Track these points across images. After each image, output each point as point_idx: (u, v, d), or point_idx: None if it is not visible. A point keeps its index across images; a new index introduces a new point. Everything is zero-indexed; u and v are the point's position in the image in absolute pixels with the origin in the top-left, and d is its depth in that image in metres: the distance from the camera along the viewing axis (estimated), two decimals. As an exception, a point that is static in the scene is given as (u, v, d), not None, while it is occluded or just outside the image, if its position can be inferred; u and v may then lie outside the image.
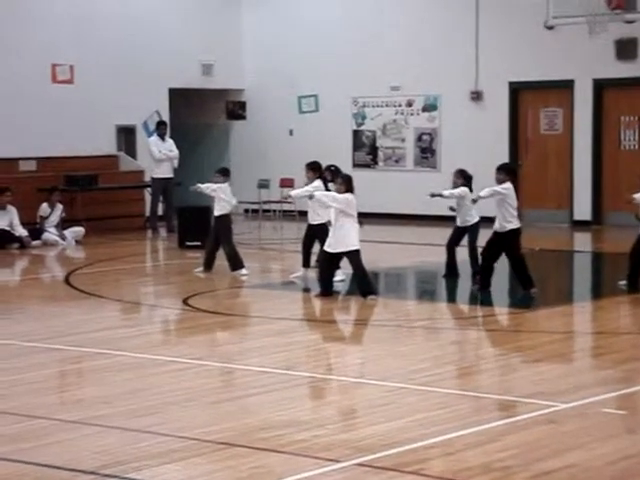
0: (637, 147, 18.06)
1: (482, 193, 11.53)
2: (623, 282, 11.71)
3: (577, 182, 18.45)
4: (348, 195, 11.39)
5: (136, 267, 14.93)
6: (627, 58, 17.67)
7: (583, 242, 17.27)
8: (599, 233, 17.83)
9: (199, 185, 13.39)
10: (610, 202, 18.08)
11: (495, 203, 11.55)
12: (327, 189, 12.24)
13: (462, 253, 12.76)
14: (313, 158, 13.80)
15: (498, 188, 11.48)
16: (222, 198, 13.23)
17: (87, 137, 18.98)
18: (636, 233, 11.70)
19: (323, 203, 11.77)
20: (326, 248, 11.65)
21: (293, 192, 12.92)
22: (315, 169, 12.78)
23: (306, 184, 12.77)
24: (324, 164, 13.12)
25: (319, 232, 12.40)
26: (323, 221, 12.30)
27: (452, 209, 12.72)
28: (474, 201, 11.86)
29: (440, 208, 13.57)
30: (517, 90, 18.90)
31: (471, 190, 12.57)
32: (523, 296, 11.74)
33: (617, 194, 17.63)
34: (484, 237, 12.42)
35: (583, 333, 10.13)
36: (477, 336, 9.97)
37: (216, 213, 13.32)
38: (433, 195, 12.49)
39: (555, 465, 5.85)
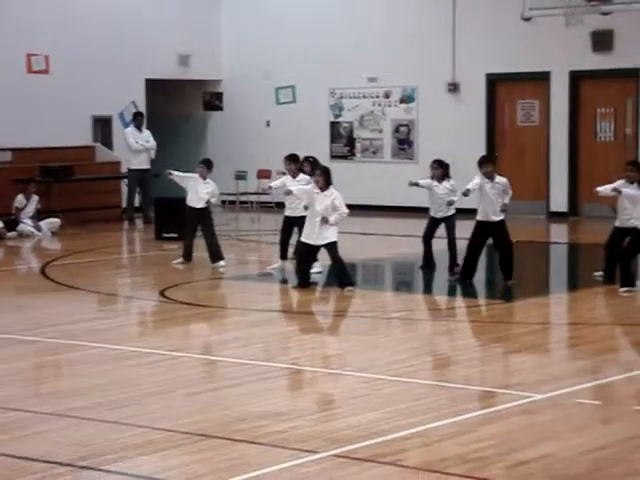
0: (613, 139, 18.15)
1: (506, 201, 11.62)
2: (599, 273, 11.78)
3: (553, 174, 18.53)
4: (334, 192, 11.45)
5: (113, 259, 14.88)
6: (603, 50, 17.75)
7: (559, 233, 17.35)
8: (575, 224, 17.92)
9: (172, 172, 13.34)
10: (586, 194, 18.15)
11: (481, 194, 11.58)
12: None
13: (438, 244, 12.80)
14: (290, 150, 13.81)
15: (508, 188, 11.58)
16: (198, 189, 13.21)
17: (63, 128, 18.88)
18: (612, 224, 11.77)
19: (302, 199, 11.81)
20: (303, 240, 11.66)
21: (274, 183, 12.92)
22: (295, 161, 12.81)
23: (282, 173, 12.82)
24: (301, 156, 13.13)
25: (297, 224, 12.40)
26: (301, 213, 12.29)
27: (450, 203, 12.57)
28: (465, 194, 11.92)
29: (417, 199, 13.61)
30: (494, 82, 18.95)
31: (449, 177, 12.63)
32: (500, 287, 11.79)
33: (593, 186, 17.63)
34: (460, 229, 12.47)
35: (559, 324, 10.19)
36: (454, 327, 10.00)
37: (198, 205, 13.26)
38: (412, 184, 12.54)
39: (530, 455, 5.89)
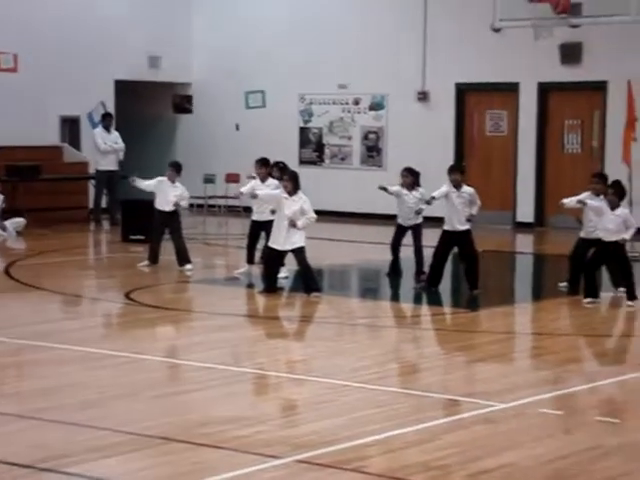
0: (580, 151, 18.30)
1: (474, 212, 11.66)
2: (563, 284, 11.86)
3: (520, 184, 18.65)
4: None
5: (78, 260, 14.79)
6: (572, 62, 17.89)
7: (525, 244, 17.46)
8: (541, 235, 18.04)
9: (136, 179, 13.27)
10: (552, 205, 18.25)
11: (448, 203, 11.63)
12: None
13: (405, 252, 12.83)
14: (259, 154, 13.79)
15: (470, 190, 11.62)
16: (169, 192, 13.17)
17: (30, 127, 18.75)
18: (577, 236, 11.86)
19: (269, 203, 11.81)
20: (271, 245, 11.65)
21: (244, 189, 12.89)
22: (266, 165, 12.83)
23: (251, 177, 12.82)
24: (271, 160, 13.13)
25: (264, 228, 12.39)
26: (268, 217, 12.28)
27: (418, 212, 12.67)
28: (418, 212, 11.94)
29: (384, 207, 13.65)
30: (463, 91, 19.05)
31: (419, 185, 12.68)
32: (466, 296, 11.85)
33: (560, 197, 17.78)
34: (431, 237, 12.52)
35: (523, 334, 10.24)
36: (419, 335, 10.03)
37: (167, 208, 13.21)
38: (381, 188, 12.59)
39: (492, 464, 5.91)
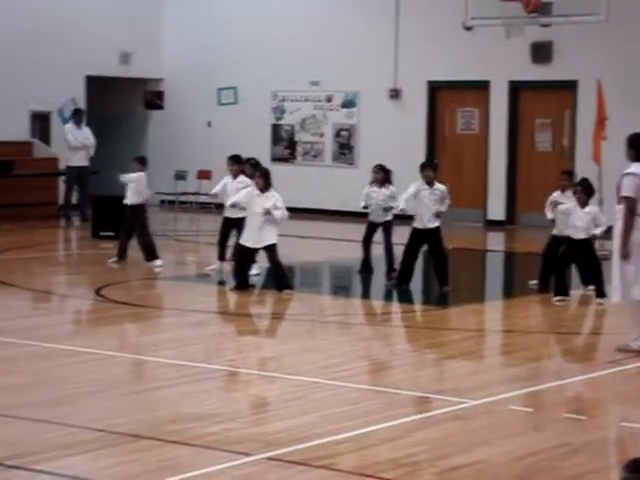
0: (551, 149, 18.39)
1: (443, 208, 11.68)
2: (534, 282, 11.92)
3: (491, 182, 18.72)
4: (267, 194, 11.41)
5: (48, 256, 14.70)
6: (542, 61, 17.98)
7: (496, 242, 17.53)
8: (512, 233, 18.12)
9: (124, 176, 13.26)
10: (523, 203, 18.39)
11: (418, 200, 11.65)
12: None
13: (378, 250, 12.85)
14: (231, 151, 13.77)
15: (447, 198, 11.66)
16: (137, 187, 13.13)
17: (0, 123, 18.60)
18: (548, 234, 11.92)
19: (243, 202, 11.80)
20: (242, 242, 11.63)
21: (215, 190, 12.86)
22: (238, 162, 12.81)
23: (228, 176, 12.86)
24: (243, 157, 13.10)
25: (236, 225, 12.37)
26: (240, 214, 12.27)
27: (365, 207, 12.77)
28: (387, 210, 11.89)
29: (356, 204, 13.65)
30: (435, 89, 19.09)
31: (390, 183, 12.69)
32: (436, 293, 11.88)
33: (530, 195, 17.97)
34: (402, 234, 12.54)
35: (493, 331, 10.29)
36: (390, 332, 10.05)
37: (130, 202, 13.19)
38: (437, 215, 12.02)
39: (462, 461, 5.93)
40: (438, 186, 11.79)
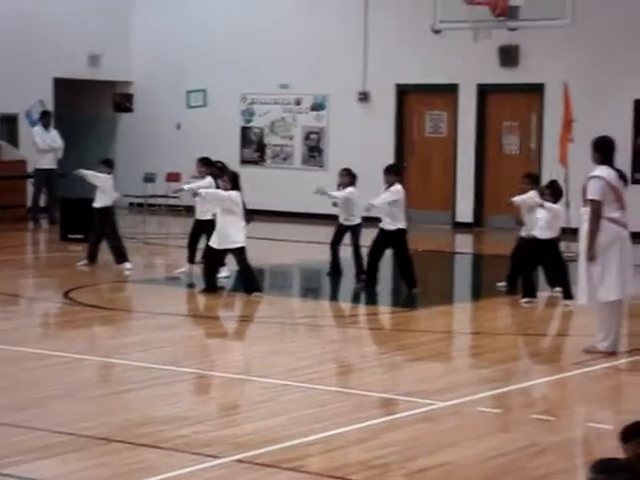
0: (518, 152, 18.51)
1: (376, 202, 11.67)
2: (502, 284, 11.99)
3: (460, 185, 18.81)
4: (232, 193, 11.38)
5: (16, 259, 14.62)
6: (510, 64, 18.10)
7: (464, 244, 17.62)
8: (480, 235, 18.21)
9: (82, 170, 13.23)
10: (491, 205, 18.50)
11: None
12: (217, 186, 12.24)
13: (347, 252, 12.89)
14: (200, 153, 13.76)
15: (391, 196, 11.64)
16: (104, 189, 13.11)
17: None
18: (516, 236, 12.00)
19: (209, 201, 11.78)
20: (211, 244, 11.63)
21: (186, 186, 12.87)
22: (208, 164, 12.81)
23: (194, 177, 12.80)
24: (212, 160, 13.11)
25: (206, 228, 12.36)
26: (210, 217, 12.26)
27: (335, 205, 12.83)
28: (367, 210, 11.89)
29: (326, 207, 13.70)
30: (404, 92, 19.17)
31: (354, 185, 12.72)
32: (405, 295, 11.93)
33: (498, 197, 18.05)
34: (368, 237, 12.57)
35: (462, 333, 10.34)
36: (359, 334, 10.08)
37: (98, 205, 13.16)
38: (319, 191, 12.56)
39: (431, 462, 5.97)
40: (393, 188, 11.78)
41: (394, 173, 12.06)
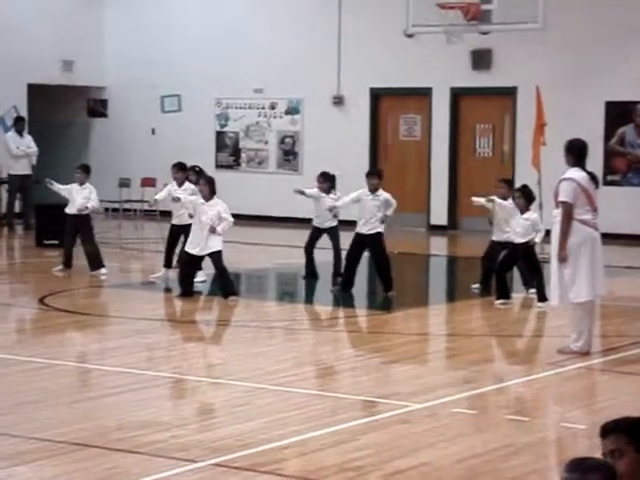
0: (491, 154, 18.62)
1: (389, 212, 11.77)
2: (476, 286, 12.07)
3: (434, 187, 18.89)
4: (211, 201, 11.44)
5: (-10, 265, 14.55)
6: (482, 68, 18.21)
7: (439, 246, 17.69)
8: (454, 237, 18.30)
9: (51, 183, 13.22)
10: (465, 207, 18.57)
11: (361, 206, 11.75)
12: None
13: (322, 255, 12.92)
14: (175, 158, 13.76)
15: (352, 196, 11.71)
16: (73, 199, 13.09)
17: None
18: (489, 238, 12.08)
19: (187, 208, 11.81)
20: (187, 249, 11.63)
21: (158, 196, 12.85)
22: (183, 169, 12.83)
23: (165, 185, 12.85)
24: (187, 164, 13.11)
25: (183, 232, 12.36)
26: (187, 222, 12.26)
27: (331, 210, 12.79)
28: (382, 222, 11.89)
29: (301, 210, 13.72)
30: (378, 96, 19.23)
31: (334, 189, 12.78)
32: (381, 298, 11.98)
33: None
34: (343, 239, 12.62)
35: (438, 335, 10.39)
36: (335, 337, 10.11)
37: (70, 211, 13.13)
38: (298, 191, 12.64)
39: (407, 464, 6.00)
40: (381, 193, 11.87)
41: (379, 177, 12.10)
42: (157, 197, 12.84)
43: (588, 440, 6.63)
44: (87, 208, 13.12)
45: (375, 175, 12.15)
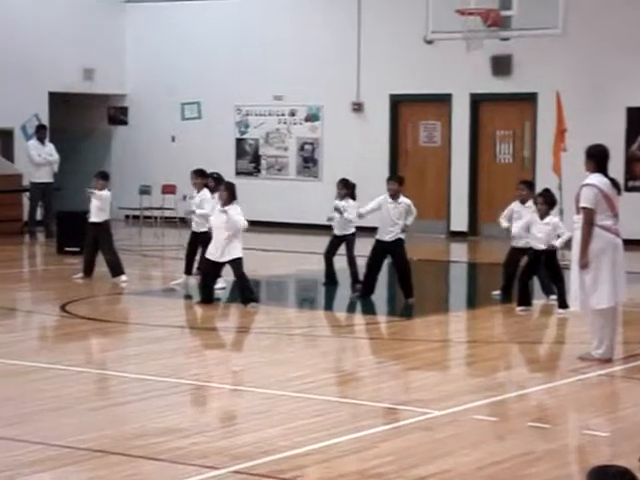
0: (512, 161, 18.57)
1: (409, 221, 11.75)
2: (497, 292, 12.03)
3: (454, 193, 18.86)
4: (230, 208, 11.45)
5: (13, 272, 14.63)
6: (502, 74, 18.18)
7: (459, 253, 17.66)
8: (474, 244, 18.26)
9: (94, 191, 13.22)
10: (485, 213, 18.55)
11: (382, 213, 11.74)
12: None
13: (342, 262, 12.92)
14: (195, 165, 13.80)
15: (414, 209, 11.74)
16: (104, 207, 13.13)
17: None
18: (509, 244, 12.04)
19: (207, 221, 11.88)
20: (208, 256, 11.65)
21: (198, 211, 12.71)
22: (203, 176, 12.87)
23: (190, 197, 12.98)
24: (207, 171, 13.16)
25: (202, 239, 12.40)
26: (206, 229, 12.32)
27: (330, 219, 12.85)
28: (404, 230, 11.86)
29: (320, 217, 13.72)
30: (397, 103, 19.23)
31: (354, 198, 12.77)
32: (401, 305, 11.96)
33: (492, 206, 18.11)
34: (364, 246, 12.61)
35: (458, 342, 10.37)
36: (355, 344, 10.11)
37: (95, 220, 13.17)
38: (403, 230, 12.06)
39: (429, 471, 5.98)
40: (402, 200, 11.85)
41: (399, 182, 12.07)
42: (199, 212, 12.61)
43: (610, 447, 6.60)
44: (104, 211, 13.12)
45: (395, 180, 12.12)
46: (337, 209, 12.54)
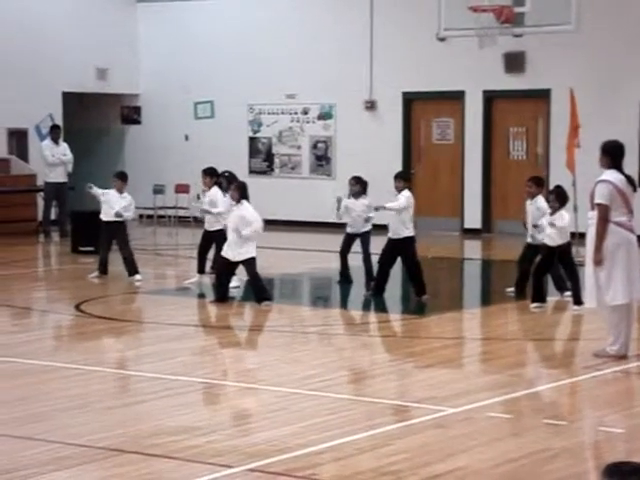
0: (525, 157, 18.54)
1: (388, 205, 11.70)
2: (511, 289, 12.01)
3: (468, 191, 18.84)
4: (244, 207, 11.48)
5: (28, 272, 14.68)
6: (515, 71, 18.14)
7: (473, 250, 17.64)
8: (488, 241, 18.23)
9: (92, 186, 13.34)
10: (499, 210, 18.52)
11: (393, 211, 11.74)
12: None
13: (355, 260, 12.92)
14: (209, 164, 13.82)
15: (405, 202, 11.63)
16: (111, 204, 13.18)
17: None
18: (524, 241, 12.02)
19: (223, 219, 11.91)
20: (223, 254, 11.67)
21: (214, 210, 12.68)
22: (212, 175, 12.87)
23: (203, 190, 12.92)
24: (220, 170, 13.17)
25: (216, 238, 12.42)
26: (220, 227, 12.33)
27: (339, 218, 12.83)
28: (376, 209, 11.92)
29: (333, 216, 13.71)
30: (410, 100, 19.21)
31: (366, 194, 12.76)
32: (415, 302, 11.96)
33: (506, 203, 18.10)
34: (376, 244, 12.61)
35: (472, 339, 10.37)
36: (370, 342, 10.11)
37: (108, 219, 13.22)
38: (376, 209, 12.32)
39: (443, 468, 5.98)
40: (402, 194, 11.78)
41: (404, 180, 12.07)
42: (215, 210, 12.58)
43: (626, 444, 6.59)
44: (121, 216, 13.19)
45: (399, 178, 12.06)
46: (339, 202, 12.51)
